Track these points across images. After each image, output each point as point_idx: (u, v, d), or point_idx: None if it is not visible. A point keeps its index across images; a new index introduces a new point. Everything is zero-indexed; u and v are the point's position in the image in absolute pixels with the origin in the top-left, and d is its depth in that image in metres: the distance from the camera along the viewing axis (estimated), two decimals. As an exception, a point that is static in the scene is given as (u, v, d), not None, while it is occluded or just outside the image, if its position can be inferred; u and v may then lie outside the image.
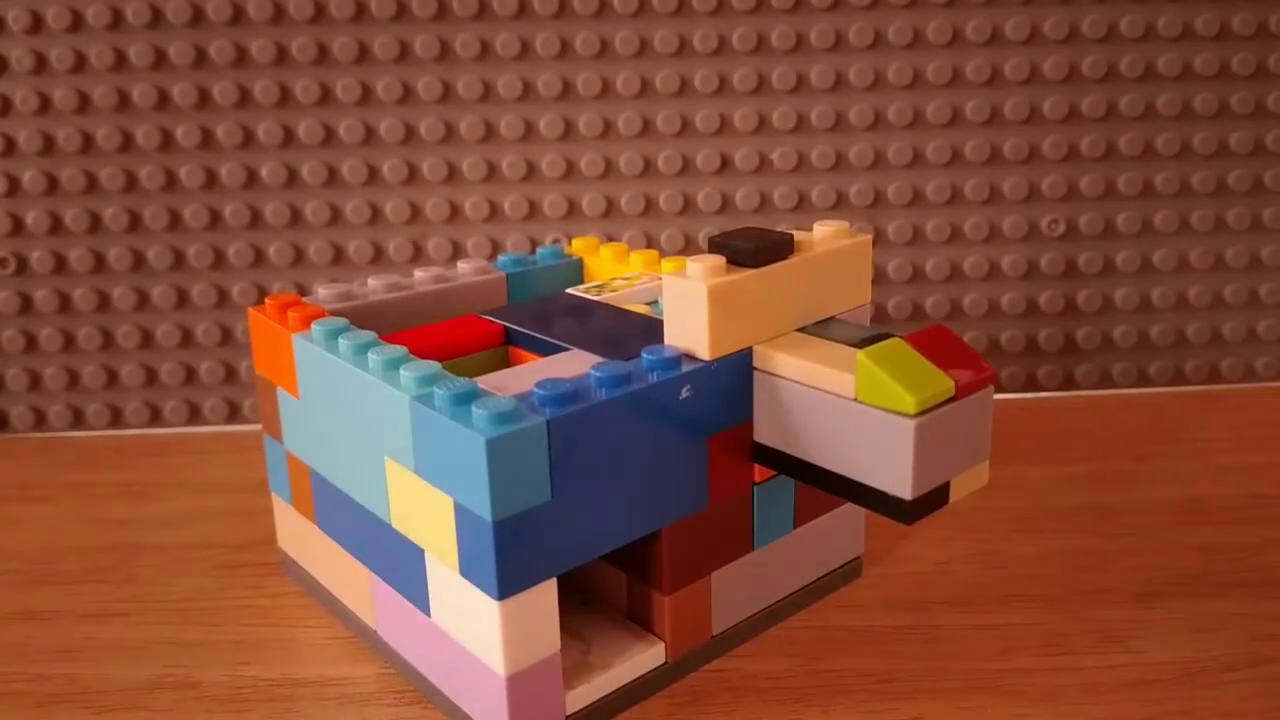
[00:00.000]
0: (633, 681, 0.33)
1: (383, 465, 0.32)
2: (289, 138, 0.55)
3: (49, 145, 0.55)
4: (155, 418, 0.58)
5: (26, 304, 0.57)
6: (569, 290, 0.41)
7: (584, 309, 0.39)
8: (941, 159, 0.57)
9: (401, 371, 0.31)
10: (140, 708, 0.34)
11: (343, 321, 0.35)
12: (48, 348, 0.57)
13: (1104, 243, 0.58)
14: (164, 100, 0.55)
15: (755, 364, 0.33)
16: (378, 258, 0.57)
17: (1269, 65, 0.56)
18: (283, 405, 0.38)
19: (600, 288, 0.41)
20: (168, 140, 0.55)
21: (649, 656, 0.34)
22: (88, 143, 0.55)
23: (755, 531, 0.35)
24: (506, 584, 0.29)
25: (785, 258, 0.33)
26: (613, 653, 0.33)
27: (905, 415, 0.29)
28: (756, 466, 0.34)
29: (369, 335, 0.34)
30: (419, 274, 0.42)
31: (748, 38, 0.55)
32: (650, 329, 0.36)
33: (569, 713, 0.32)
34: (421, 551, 0.32)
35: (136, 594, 0.41)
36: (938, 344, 0.31)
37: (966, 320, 0.59)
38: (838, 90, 0.56)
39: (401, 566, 0.33)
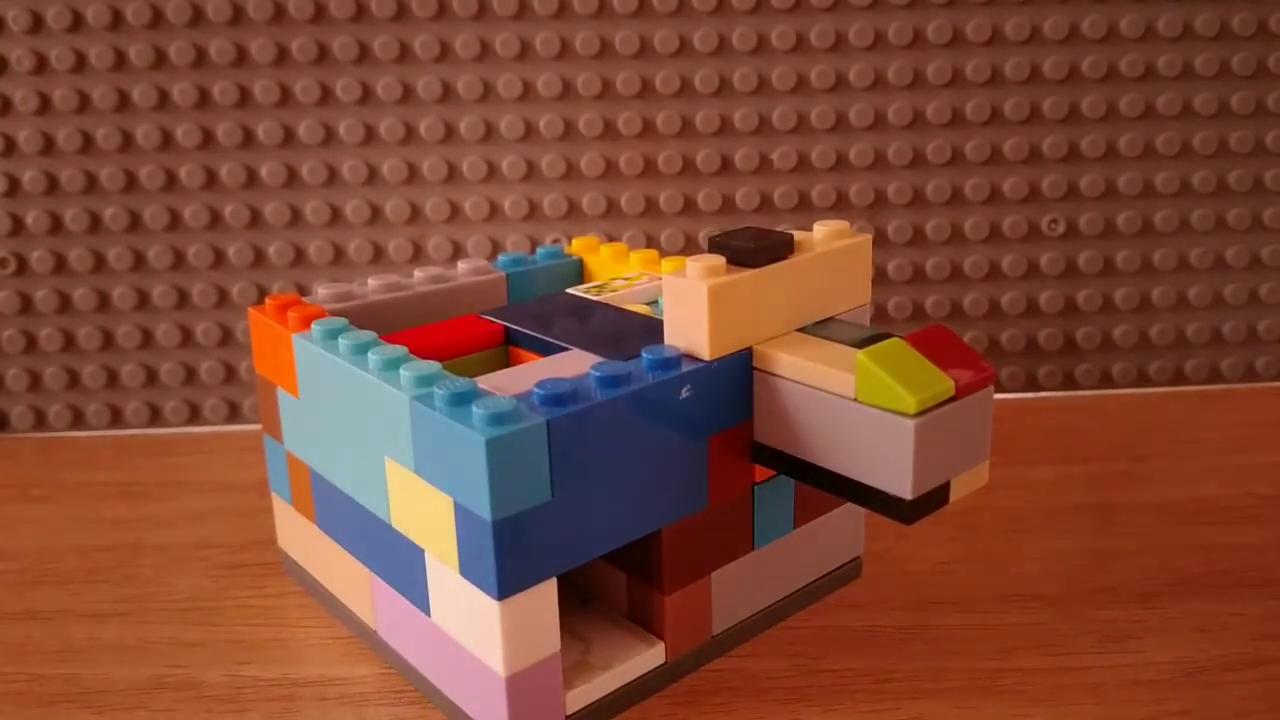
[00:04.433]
0: (632, 681, 0.33)
1: (383, 465, 0.32)
2: (289, 138, 0.55)
3: (49, 145, 0.55)
4: (155, 418, 0.58)
5: (26, 304, 0.57)
6: (569, 290, 0.41)
7: (584, 309, 0.39)
8: (942, 159, 0.57)
9: (401, 371, 0.31)
10: (140, 708, 0.34)
11: (342, 321, 0.35)
12: (48, 348, 0.57)
13: (1104, 242, 0.58)
14: (164, 100, 0.55)
15: (755, 364, 0.33)
16: (378, 258, 0.57)
17: (1269, 65, 0.56)
18: (283, 405, 0.38)
19: (600, 288, 0.41)
20: (168, 140, 0.55)
21: (649, 656, 0.34)
22: (88, 143, 0.55)
23: (755, 531, 0.35)
24: (506, 584, 0.29)
25: (785, 257, 0.33)
26: (613, 653, 0.33)
27: (905, 415, 0.29)
28: (756, 466, 0.34)
29: (369, 335, 0.34)
30: (419, 274, 0.42)
31: (748, 38, 0.55)
32: (650, 329, 0.36)
33: (569, 713, 0.32)
34: (421, 551, 0.32)
35: (136, 594, 0.41)
36: (938, 344, 0.31)
37: (967, 320, 0.59)
38: (838, 90, 0.56)
39: (401, 566, 0.33)
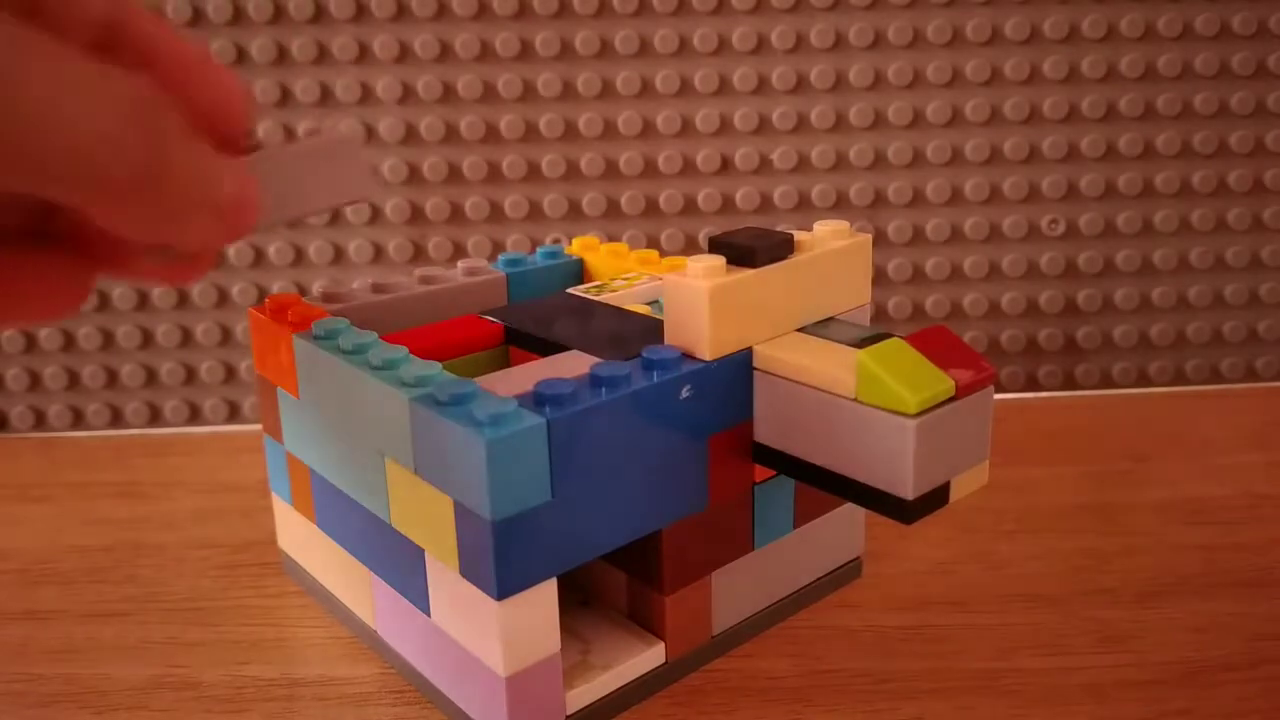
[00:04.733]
0: (633, 681, 0.33)
1: (383, 465, 0.32)
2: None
3: (49, 145, 0.55)
4: (155, 418, 0.58)
5: None
6: (569, 290, 0.41)
7: (584, 309, 0.39)
8: (942, 159, 0.57)
9: (401, 371, 0.31)
10: (140, 707, 0.34)
11: (343, 321, 0.35)
12: (48, 347, 0.57)
13: (1104, 242, 0.58)
14: (164, 100, 0.55)
15: (755, 364, 0.33)
16: (378, 257, 0.57)
17: (1269, 65, 0.56)
18: (283, 405, 0.38)
19: (600, 288, 0.41)
20: (168, 140, 0.55)
21: (649, 656, 0.34)
22: (88, 143, 0.55)
23: (755, 531, 0.35)
24: (506, 584, 0.29)
25: (785, 257, 0.33)
26: (613, 653, 0.33)
27: (905, 415, 0.29)
28: (757, 466, 0.34)
29: (369, 335, 0.34)
30: (419, 274, 0.42)
31: (748, 37, 0.55)
32: (650, 329, 0.36)
33: (569, 713, 0.32)
34: (421, 552, 0.32)
35: (136, 594, 0.41)
36: (938, 344, 0.31)
37: (967, 320, 0.59)
38: (838, 90, 0.56)
39: (401, 566, 0.33)
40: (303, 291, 0.57)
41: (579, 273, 0.45)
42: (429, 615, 0.32)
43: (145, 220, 0.20)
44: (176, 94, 0.21)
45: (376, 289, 0.40)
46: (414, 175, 0.56)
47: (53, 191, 0.19)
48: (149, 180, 0.19)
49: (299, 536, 0.40)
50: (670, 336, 0.33)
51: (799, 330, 0.34)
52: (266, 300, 0.38)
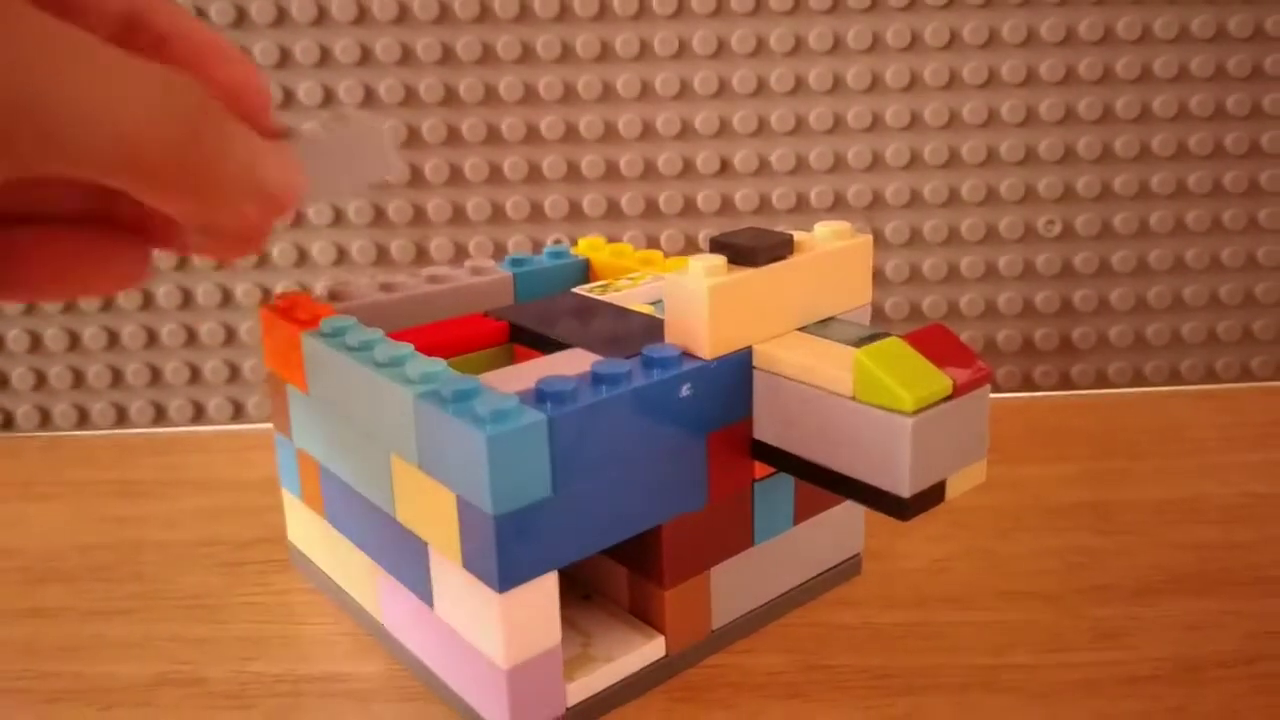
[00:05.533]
0: (633, 675, 0.34)
1: (389, 461, 0.33)
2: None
3: (54, 146, 0.55)
4: (160, 417, 0.59)
5: (32, 303, 0.57)
6: (573, 290, 0.42)
7: (587, 308, 0.39)
8: (939, 160, 0.57)
9: (406, 368, 0.31)
10: (146, 704, 0.34)
11: (350, 319, 0.35)
12: (53, 347, 0.57)
13: (1100, 243, 0.59)
14: (168, 102, 0.55)
15: (755, 363, 0.33)
16: (380, 258, 0.57)
17: (1265, 67, 0.56)
18: (292, 402, 0.38)
19: (604, 287, 0.42)
20: (172, 141, 0.56)
21: (649, 650, 0.34)
22: (92, 144, 0.55)
23: (755, 528, 0.36)
24: (508, 577, 0.29)
25: (785, 257, 0.33)
26: (613, 646, 0.34)
27: (902, 413, 0.29)
28: (756, 464, 0.35)
29: (375, 333, 0.34)
30: (427, 273, 0.42)
31: (747, 40, 0.55)
32: (652, 328, 0.36)
33: (569, 705, 0.32)
34: (426, 546, 0.32)
35: (141, 591, 0.41)
36: (935, 343, 0.31)
37: (964, 320, 0.59)
38: (836, 92, 0.56)
39: (407, 561, 0.33)
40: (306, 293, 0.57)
41: (584, 273, 0.46)
42: (433, 608, 0.33)
43: (190, 201, 0.21)
44: (199, 80, 0.22)
45: (384, 288, 0.40)
46: (416, 177, 0.57)
47: (98, 176, 0.19)
48: (189, 162, 0.20)
49: (308, 531, 0.40)
50: (671, 335, 0.33)
51: (799, 330, 0.34)
52: (277, 297, 0.38)
